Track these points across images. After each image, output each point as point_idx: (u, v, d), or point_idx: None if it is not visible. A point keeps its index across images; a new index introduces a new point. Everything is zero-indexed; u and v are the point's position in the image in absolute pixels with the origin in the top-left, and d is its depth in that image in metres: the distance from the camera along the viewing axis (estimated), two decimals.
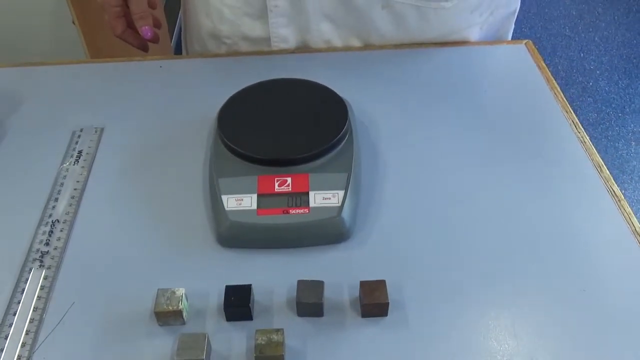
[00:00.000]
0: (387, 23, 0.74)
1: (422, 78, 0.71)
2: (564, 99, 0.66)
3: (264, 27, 0.76)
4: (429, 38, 0.76)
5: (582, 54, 2.48)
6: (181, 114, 0.67)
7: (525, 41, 0.74)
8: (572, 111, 0.64)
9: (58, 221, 0.56)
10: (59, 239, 0.54)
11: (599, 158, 0.59)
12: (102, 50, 1.37)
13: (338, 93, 0.62)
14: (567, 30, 2.62)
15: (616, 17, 2.67)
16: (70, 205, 0.57)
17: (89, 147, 0.64)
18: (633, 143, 2.06)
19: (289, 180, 0.55)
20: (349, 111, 0.61)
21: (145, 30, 0.80)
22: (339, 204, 0.53)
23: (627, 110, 2.20)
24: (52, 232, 0.55)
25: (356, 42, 0.76)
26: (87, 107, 0.69)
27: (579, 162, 0.59)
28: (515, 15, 0.82)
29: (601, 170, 0.58)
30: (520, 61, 0.72)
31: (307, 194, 0.54)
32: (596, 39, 2.56)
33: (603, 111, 2.20)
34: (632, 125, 2.13)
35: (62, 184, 0.59)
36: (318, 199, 0.53)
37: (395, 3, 0.71)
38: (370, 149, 0.62)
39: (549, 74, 0.69)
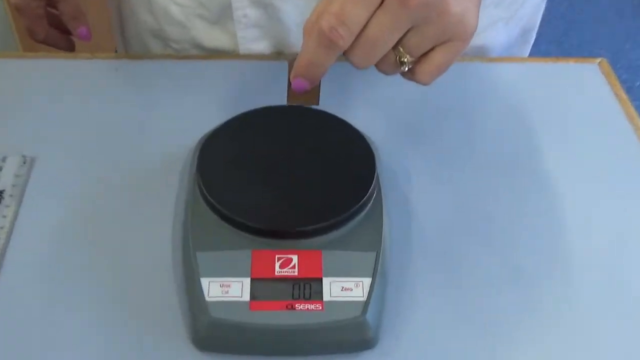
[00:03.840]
0: None
1: (465, 101, 0.56)
2: None
3: (226, 38, 0.63)
4: None
5: None
6: (144, 139, 0.52)
7: (598, 60, 0.59)
8: None
9: None
10: None
11: None
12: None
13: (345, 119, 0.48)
14: None
15: None
16: None
17: (14, 186, 0.46)
18: None
19: (295, 259, 0.41)
20: (376, 159, 0.45)
21: (82, 32, 0.66)
22: (364, 298, 0.39)
23: None
24: None
25: None
26: (13, 122, 0.53)
27: None
28: (544, 4, 0.69)
29: None
30: (592, 86, 0.57)
31: (320, 281, 0.40)
32: None
33: None
34: None
35: None
36: (335, 289, 0.40)
37: None
38: (401, 206, 0.47)
39: (632, 109, 0.54)
